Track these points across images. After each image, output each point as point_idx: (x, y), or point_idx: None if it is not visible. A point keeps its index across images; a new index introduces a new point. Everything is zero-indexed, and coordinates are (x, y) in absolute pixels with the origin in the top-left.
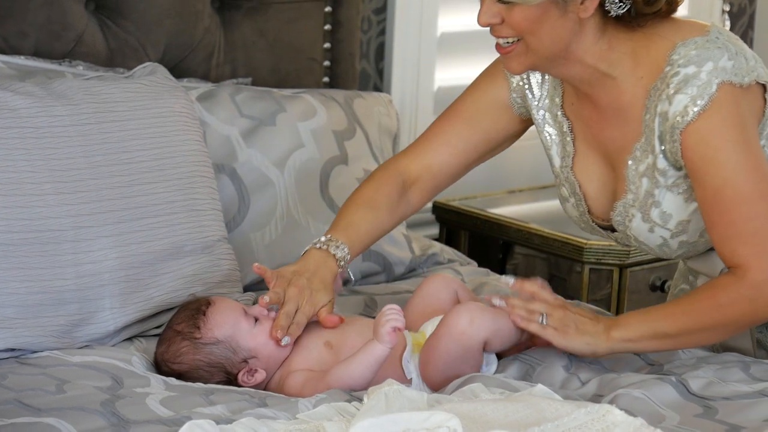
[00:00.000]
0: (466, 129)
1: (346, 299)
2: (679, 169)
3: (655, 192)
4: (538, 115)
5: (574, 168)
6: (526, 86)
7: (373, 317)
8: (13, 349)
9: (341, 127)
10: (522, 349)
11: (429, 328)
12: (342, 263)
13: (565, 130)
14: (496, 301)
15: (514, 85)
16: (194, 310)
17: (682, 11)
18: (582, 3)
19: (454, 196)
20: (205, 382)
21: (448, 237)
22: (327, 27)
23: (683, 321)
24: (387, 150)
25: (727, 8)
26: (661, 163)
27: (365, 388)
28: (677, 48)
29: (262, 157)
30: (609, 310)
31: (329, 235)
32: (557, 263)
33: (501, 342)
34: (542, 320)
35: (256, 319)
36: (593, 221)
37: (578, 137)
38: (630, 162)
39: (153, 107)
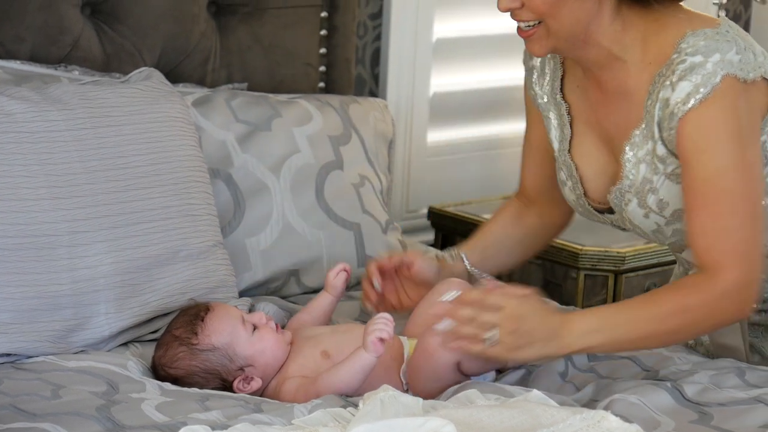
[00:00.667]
0: (530, 147)
1: (341, 304)
2: (678, 156)
3: (654, 179)
4: (542, 101)
5: (572, 151)
6: (533, 77)
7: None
8: (8, 354)
9: (337, 132)
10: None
11: None
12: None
13: (562, 112)
14: (441, 326)
15: (528, 80)
16: (193, 315)
17: None
18: None
19: (449, 202)
20: (200, 388)
21: (443, 243)
22: (323, 32)
23: (645, 328)
24: (382, 155)
25: (723, 14)
26: (661, 149)
27: (355, 394)
28: (687, 37)
29: (258, 162)
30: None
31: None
32: (552, 269)
33: (478, 365)
34: (493, 335)
35: (255, 327)
36: (590, 204)
37: (578, 120)
38: (627, 148)
39: (149, 112)
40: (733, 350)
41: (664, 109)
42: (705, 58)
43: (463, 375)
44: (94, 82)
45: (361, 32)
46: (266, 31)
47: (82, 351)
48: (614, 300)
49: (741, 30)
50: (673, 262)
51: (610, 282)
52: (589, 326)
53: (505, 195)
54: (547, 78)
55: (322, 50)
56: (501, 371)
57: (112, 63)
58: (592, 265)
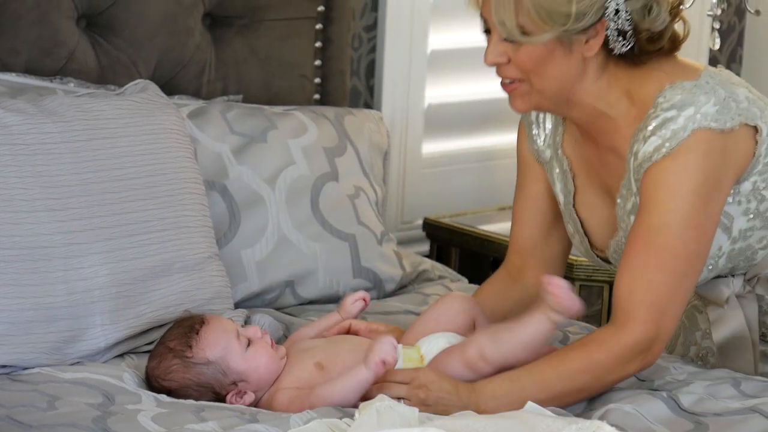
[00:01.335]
0: (525, 201)
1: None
2: None
3: None
4: (545, 156)
5: (576, 205)
6: (534, 132)
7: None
8: (4, 366)
9: (332, 144)
10: None
11: (424, 344)
12: None
13: (565, 168)
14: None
15: (529, 136)
16: (188, 327)
17: None
18: (586, 42)
19: (444, 213)
20: (195, 400)
21: (438, 253)
22: (318, 44)
23: (555, 387)
24: (377, 167)
25: (717, 26)
26: (638, 202)
27: (350, 407)
28: (665, 91)
29: (253, 174)
30: (599, 327)
31: None
32: None
33: None
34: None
35: (250, 342)
36: (597, 255)
37: (579, 174)
38: (618, 200)
39: (144, 124)
40: (742, 370)
41: (635, 162)
42: (678, 112)
43: None
44: (89, 95)
45: (356, 44)
46: (261, 43)
47: (77, 362)
48: (609, 311)
49: (727, 75)
50: None
51: (606, 293)
52: (500, 391)
53: (500, 206)
54: (548, 133)
55: (317, 62)
56: None
57: (108, 75)
58: (587, 275)
